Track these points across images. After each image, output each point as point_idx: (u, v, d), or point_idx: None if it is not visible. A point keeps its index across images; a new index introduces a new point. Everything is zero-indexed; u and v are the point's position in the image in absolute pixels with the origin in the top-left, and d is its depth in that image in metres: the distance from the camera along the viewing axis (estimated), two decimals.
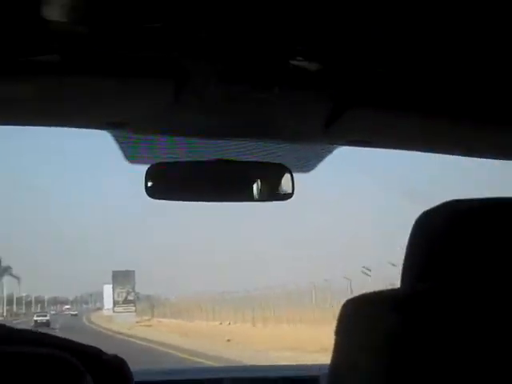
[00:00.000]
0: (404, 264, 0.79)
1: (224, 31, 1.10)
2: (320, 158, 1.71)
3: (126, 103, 1.24)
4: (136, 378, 0.93)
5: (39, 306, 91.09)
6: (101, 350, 0.91)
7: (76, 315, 79.13)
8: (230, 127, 1.42)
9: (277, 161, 1.63)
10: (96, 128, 1.36)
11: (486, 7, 1.00)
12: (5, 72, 1.11)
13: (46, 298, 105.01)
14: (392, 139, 1.56)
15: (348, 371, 0.71)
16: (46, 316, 50.42)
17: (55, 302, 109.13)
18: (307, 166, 1.71)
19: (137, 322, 44.54)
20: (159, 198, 1.50)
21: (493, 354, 0.63)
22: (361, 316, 0.72)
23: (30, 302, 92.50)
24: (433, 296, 0.68)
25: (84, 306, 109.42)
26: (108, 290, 61.84)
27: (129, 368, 0.91)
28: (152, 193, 1.47)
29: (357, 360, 0.70)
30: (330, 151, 1.68)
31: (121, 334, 31.16)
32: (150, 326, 40.13)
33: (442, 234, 0.73)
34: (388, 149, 1.63)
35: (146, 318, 50.47)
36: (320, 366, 2.53)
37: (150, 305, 63.28)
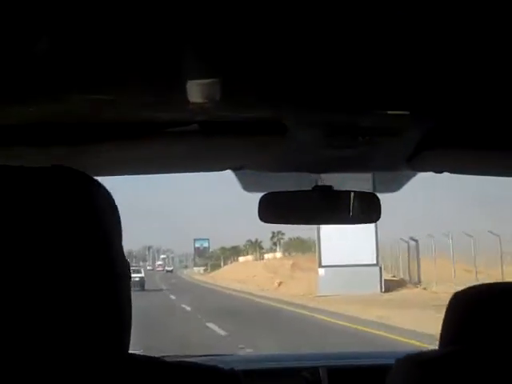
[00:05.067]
0: (441, 331, 1.03)
1: (321, 90, 1.37)
2: (406, 180, 1.99)
3: (243, 155, 1.58)
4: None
5: None
6: (217, 366, 0.94)
7: (171, 271, 73.55)
8: (327, 164, 1.73)
9: (366, 185, 1.92)
10: (220, 170, 1.72)
11: None
12: (153, 138, 1.47)
13: None
14: (469, 169, 1.80)
15: None
16: (140, 273, 37.91)
17: None
18: (394, 187, 1.99)
19: None
20: (269, 222, 1.84)
21: None
22: (404, 372, 0.98)
23: None
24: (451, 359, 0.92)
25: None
26: None
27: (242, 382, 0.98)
28: (264, 217, 1.81)
29: None
30: (415, 174, 1.95)
31: None
32: None
33: (473, 314, 0.98)
34: (465, 175, 1.87)
35: None
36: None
37: None
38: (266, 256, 58.30)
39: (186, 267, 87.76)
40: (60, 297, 0.66)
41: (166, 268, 79.89)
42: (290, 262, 39.10)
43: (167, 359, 0.91)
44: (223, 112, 1.41)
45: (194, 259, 75.77)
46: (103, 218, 0.73)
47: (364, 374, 2.23)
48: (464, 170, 1.82)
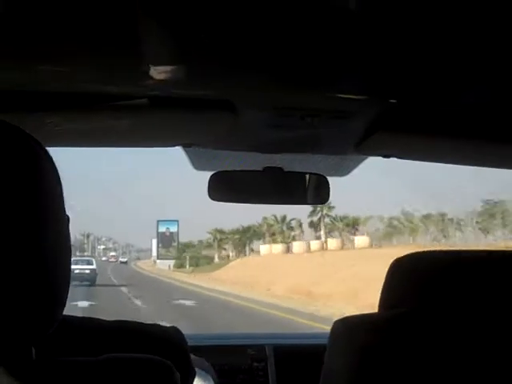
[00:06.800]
0: (381, 295, 1.03)
1: (269, 70, 1.36)
2: (355, 164, 2.02)
3: (192, 131, 1.58)
4: None
5: None
6: (159, 325, 0.98)
7: (126, 263, 72.73)
8: (277, 145, 1.74)
9: (316, 167, 1.94)
10: (169, 147, 1.71)
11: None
12: (102, 109, 1.45)
13: None
14: (415, 155, 1.84)
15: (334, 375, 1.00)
16: (91, 264, 31.31)
17: None
18: (343, 171, 2.02)
19: None
20: (219, 200, 1.85)
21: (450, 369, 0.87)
22: (344, 335, 0.97)
23: None
24: (397, 322, 0.92)
25: None
26: None
27: (184, 337, 1.01)
28: (214, 196, 1.82)
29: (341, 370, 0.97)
30: (364, 159, 1.98)
31: None
32: None
33: (411, 280, 0.98)
34: (412, 160, 1.91)
35: None
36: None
37: None
38: (296, 245, 35.08)
39: (138, 259, 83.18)
40: None
41: (120, 259, 78.89)
42: None
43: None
44: (173, 88, 1.40)
45: (157, 249, 53.55)
46: (46, 180, 0.68)
47: (309, 352, 2.27)
48: (411, 156, 1.86)
